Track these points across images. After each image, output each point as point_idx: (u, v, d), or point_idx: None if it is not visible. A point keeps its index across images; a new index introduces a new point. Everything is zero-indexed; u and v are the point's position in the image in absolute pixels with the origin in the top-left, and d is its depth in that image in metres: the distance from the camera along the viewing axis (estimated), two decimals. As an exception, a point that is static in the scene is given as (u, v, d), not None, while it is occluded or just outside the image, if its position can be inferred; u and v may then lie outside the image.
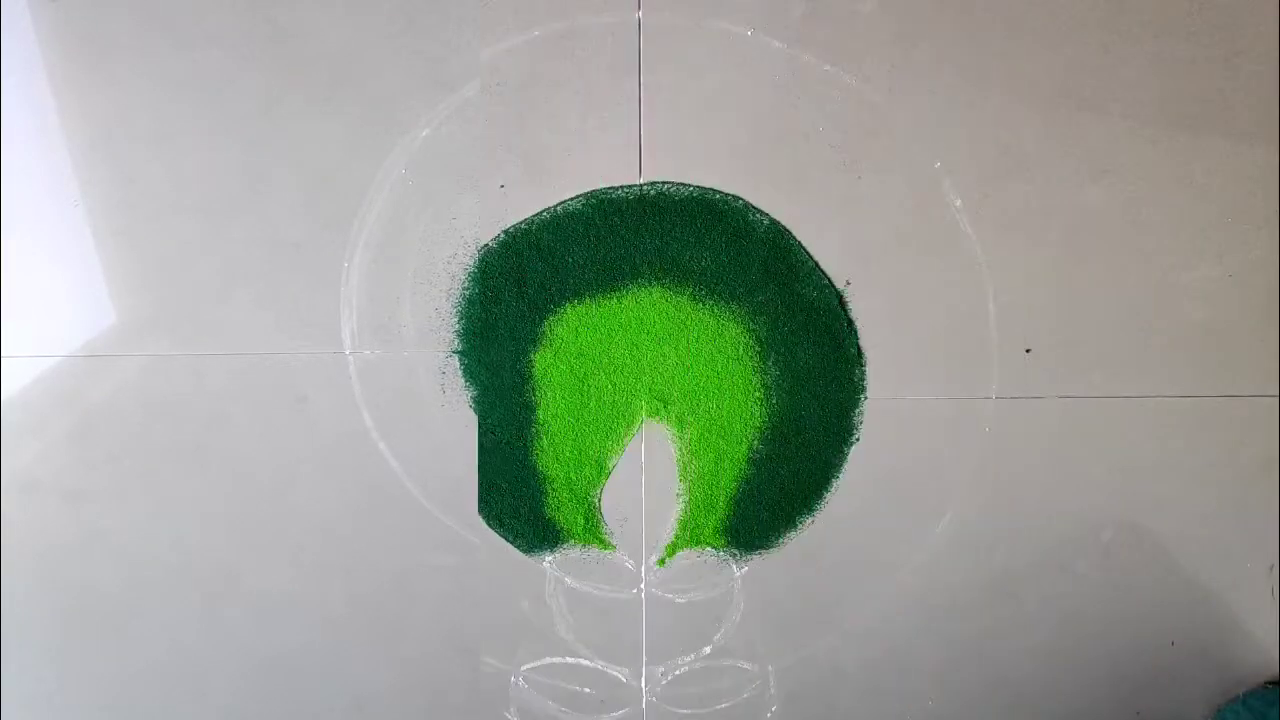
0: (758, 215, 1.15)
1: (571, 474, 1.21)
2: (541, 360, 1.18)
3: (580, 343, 1.18)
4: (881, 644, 1.24)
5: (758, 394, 1.19)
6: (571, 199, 1.15)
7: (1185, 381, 1.18)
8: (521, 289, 1.17)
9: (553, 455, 1.20)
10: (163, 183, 1.15)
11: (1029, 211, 1.14)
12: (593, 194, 1.15)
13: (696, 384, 1.19)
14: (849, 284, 1.16)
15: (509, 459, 1.20)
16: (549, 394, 1.19)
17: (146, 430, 1.20)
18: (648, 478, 1.21)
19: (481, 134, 1.13)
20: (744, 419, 1.19)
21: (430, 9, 1.11)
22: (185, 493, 1.21)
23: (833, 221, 1.15)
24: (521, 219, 1.16)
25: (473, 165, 1.14)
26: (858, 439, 1.19)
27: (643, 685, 1.26)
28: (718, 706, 1.27)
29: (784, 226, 1.15)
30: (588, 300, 1.17)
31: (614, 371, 1.19)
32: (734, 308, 1.17)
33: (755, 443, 1.20)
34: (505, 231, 1.16)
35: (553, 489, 1.21)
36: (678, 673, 1.25)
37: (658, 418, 1.19)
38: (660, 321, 1.18)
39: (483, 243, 1.16)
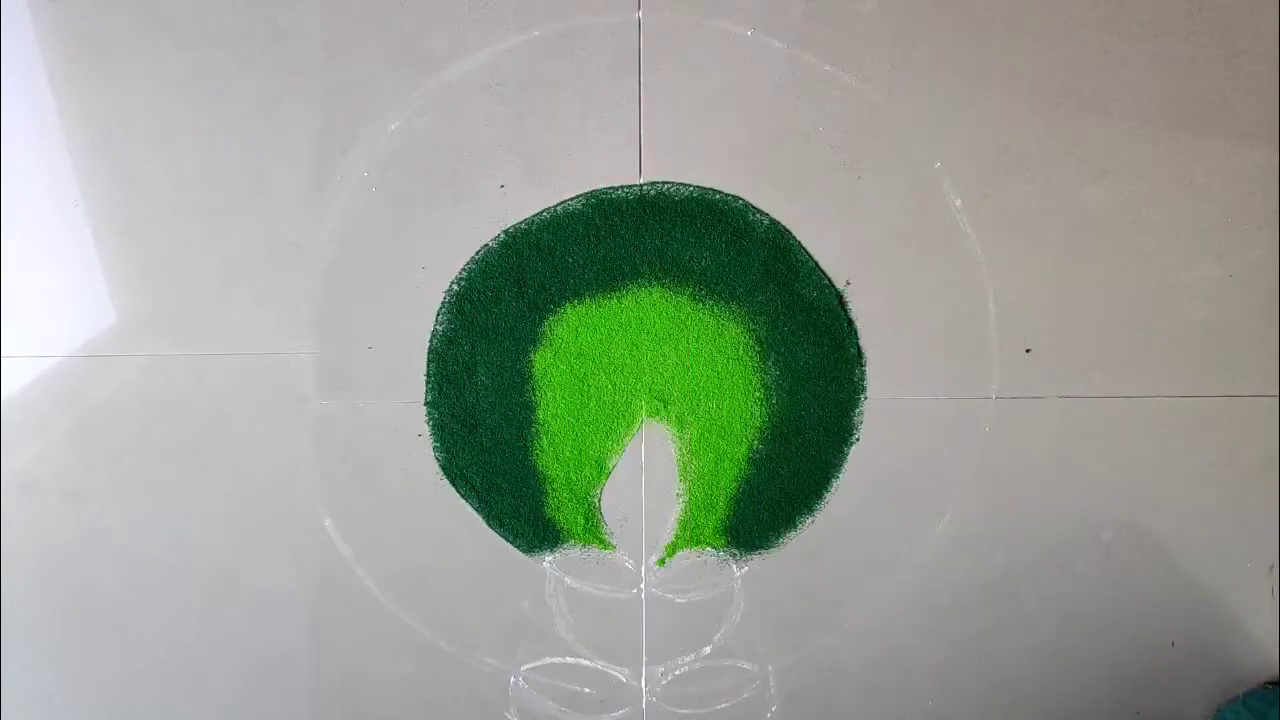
0: (758, 215, 1.15)
1: (571, 474, 1.21)
2: (541, 360, 1.18)
3: (580, 343, 1.18)
4: (881, 644, 1.24)
5: (758, 394, 1.19)
6: (571, 199, 1.15)
7: (1185, 381, 1.18)
8: (521, 289, 1.17)
9: (553, 455, 1.20)
10: (163, 183, 1.15)
11: (1029, 211, 1.14)
12: (593, 194, 1.15)
13: (696, 384, 1.19)
14: (849, 284, 1.16)
15: (509, 459, 1.20)
16: (549, 394, 1.19)
17: (146, 430, 1.20)
18: (648, 478, 1.21)
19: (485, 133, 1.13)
20: (744, 419, 1.19)
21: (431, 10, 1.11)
22: (185, 493, 1.21)
23: (833, 221, 1.15)
24: (521, 219, 1.16)
25: (466, 167, 1.14)
26: (858, 439, 1.19)
27: (643, 685, 1.26)
28: (718, 706, 1.27)
29: (784, 226, 1.15)
30: (588, 300, 1.17)
31: (614, 371, 1.19)
32: (734, 308, 1.17)
33: (755, 443, 1.20)
34: (505, 231, 1.16)
35: (553, 489, 1.21)
36: (678, 673, 1.25)
37: (658, 418, 1.19)
38: (660, 321, 1.18)
39: (482, 244, 1.16)
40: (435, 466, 1.20)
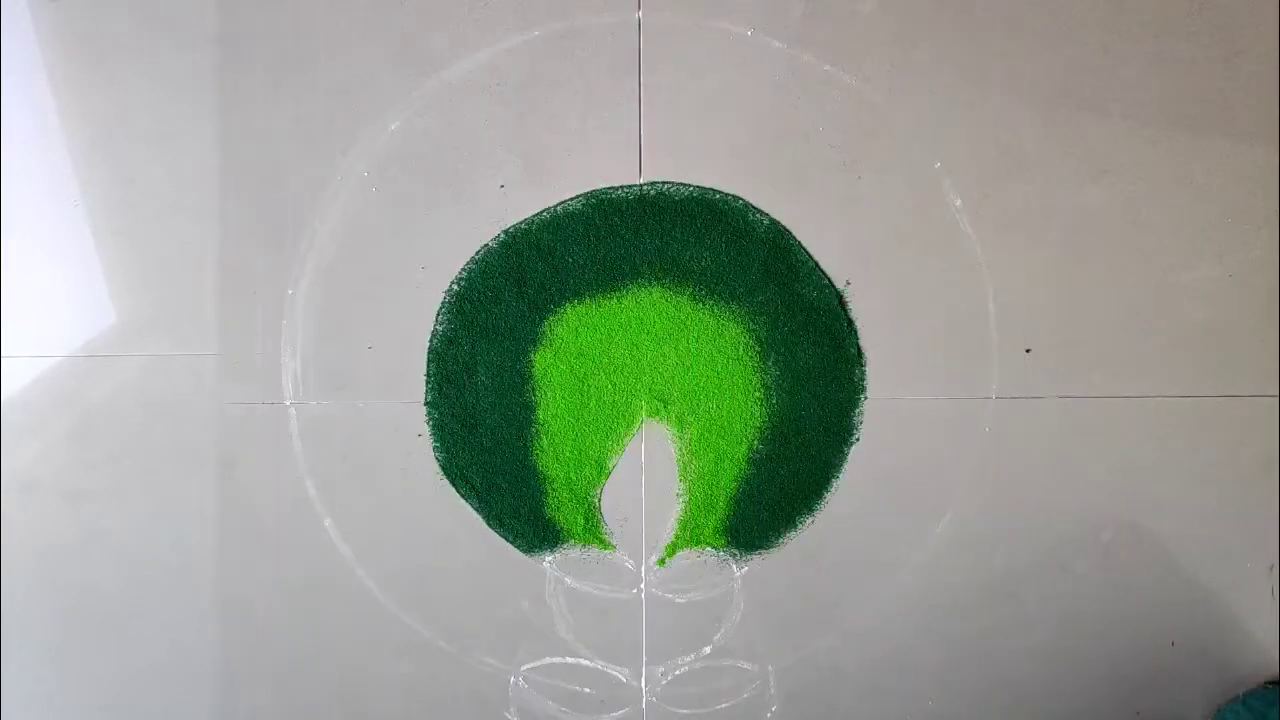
0: (758, 215, 1.15)
1: (571, 474, 1.21)
2: (541, 360, 1.18)
3: (580, 343, 1.18)
4: (881, 644, 1.24)
5: (758, 394, 1.19)
6: (571, 199, 1.15)
7: (1185, 381, 1.18)
8: (521, 289, 1.17)
9: (553, 455, 1.20)
10: (163, 183, 1.15)
11: (1029, 211, 1.14)
12: (593, 194, 1.15)
13: (696, 384, 1.19)
14: (849, 284, 1.16)
15: (509, 459, 1.20)
16: (549, 394, 1.19)
17: (146, 430, 1.20)
18: (648, 478, 1.21)
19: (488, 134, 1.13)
20: (744, 419, 1.19)
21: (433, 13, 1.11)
22: (185, 493, 1.21)
23: (833, 221, 1.15)
24: (521, 219, 1.16)
25: (460, 170, 1.14)
26: (858, 439, 1.19)
27: (643, 685, 1.26)
28: (718, 706, 1.27)
29: (784, 226, 1.15)
30: (588, 300, 1.17)
31: (614, 371, 1.19)
32: (734, 308, 1.17)
33: (755, 443, 1.20)
34: (505, 231, 1.16)
35: (553, 489, 1.21)
36: (678, 673, 1.25)
37: (658, 418, 1.19)
38: (660, 321, 1.18)
39: (482, 244, 1.16)
40: (435, 466, 1.20)
